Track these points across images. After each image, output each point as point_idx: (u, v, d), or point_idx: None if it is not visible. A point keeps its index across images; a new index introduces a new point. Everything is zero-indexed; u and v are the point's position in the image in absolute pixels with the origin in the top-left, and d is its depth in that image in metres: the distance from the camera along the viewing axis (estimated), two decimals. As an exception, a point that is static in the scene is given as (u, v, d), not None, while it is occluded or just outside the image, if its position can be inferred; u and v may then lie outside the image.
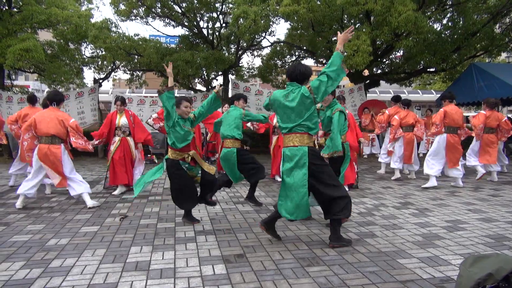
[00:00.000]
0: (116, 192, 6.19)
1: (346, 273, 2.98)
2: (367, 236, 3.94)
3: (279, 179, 6.74)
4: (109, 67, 13.75)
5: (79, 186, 5.30)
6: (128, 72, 14.36)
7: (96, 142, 6.25)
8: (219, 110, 9.30)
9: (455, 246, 3.61)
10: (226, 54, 13.28)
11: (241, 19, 10.71)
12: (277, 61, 14.41)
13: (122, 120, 6.38)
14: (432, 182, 6.70)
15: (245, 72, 15.34)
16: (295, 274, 2.97)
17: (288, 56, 14.48)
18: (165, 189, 6.64)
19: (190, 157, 4.19)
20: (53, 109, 5.35)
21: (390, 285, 2.76)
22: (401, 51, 12.56)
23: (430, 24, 11.67)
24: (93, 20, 12.84)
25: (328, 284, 2.79)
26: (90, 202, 5.29)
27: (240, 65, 14.81)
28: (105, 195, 6.17)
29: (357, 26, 11.77)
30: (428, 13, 11.46)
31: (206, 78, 14.20)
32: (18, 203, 5.21)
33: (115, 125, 6.36)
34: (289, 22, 12.30)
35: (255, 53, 15.17)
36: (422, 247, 3.58)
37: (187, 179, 4.21)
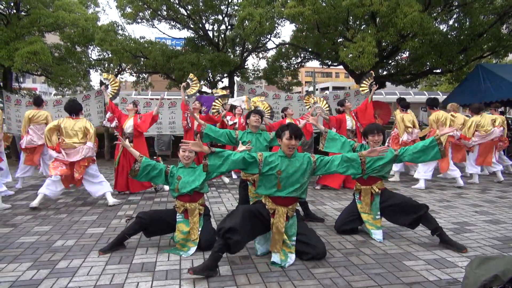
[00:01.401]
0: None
1: (351, 275, 2.97)
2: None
3: None
4: (116, 70, 13.85)
5: (99, 186, 5.59)
6: (134, 74, 14.45)
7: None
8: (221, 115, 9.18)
9: (462, 248, 3.58)
10: (232, 56, 13.32)
11: (246, 21, 10.75)
12: (283, 63, 14.42)
13: (127, 124, 6.39)
14: (421, 184, 6.78)
15: (251, 74, 15.37)
16: (300, 275, 2.96)
17: (293, 58, 14.49)
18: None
19: (182, 208, 3.61)
20: (74, 119, 5.54)
21: (396, 287, 2.75)
22: (407, 52, 12.51)
23: (436, 25, 11.62)
24: (99, 23, 12.96)
25: (334, 286, 2.78)
26: (111, 201, 5.54)
27: (246, 67, 14.84)
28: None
29: (362, 28, 11.76)
30: (434, 14, 11.42)
31: (212, 80, 14.24)
32: (35, 202, 5.28)
33: (123, 128, 6.45)
34: (294, 24, 12.31)
35: (260, 55, 15.20)
36: (429, 249, 3.56)
37: (165, 218, 3.64)
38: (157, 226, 3.63)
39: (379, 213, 3.94)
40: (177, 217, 3.64)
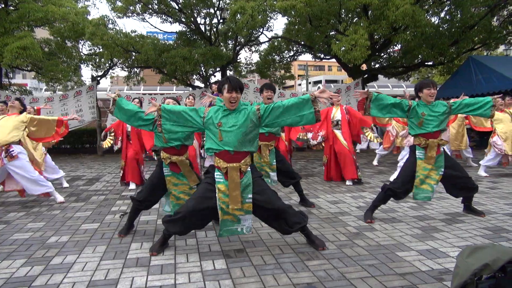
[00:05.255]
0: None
1: (345, 266, 3.01)
2: (366, 229, 3.97)
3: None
4: (107, 64, 13.71)
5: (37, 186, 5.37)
6: (126, 69, 14.32)
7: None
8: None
9: (454, 238, 3.63)
10: (224, 50, 13.25)
11: (238, 15, 10.68)
12: (275, 57, 14.38)
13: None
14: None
15: (243, 68, 15.31)
16: (295, 268, 2.99)
17: (286, 51, 14.45)
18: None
19: (169, 161, 3.75)
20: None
21: (389, 278, 2.78)
22: (399, 45, 12.54)
23: (428, 17, 11.64)
24: (90, 17, 12.80)
25: (328, 277, 2.81)
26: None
27: (238, 61, 14.77)
28: (105, 192, 6.18)
29: (354, 21, 11.75)
30: (426, 7, 11.45)
31: (204, 74, 14.16)
32: (58, 198, 5.51)
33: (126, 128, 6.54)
34: (286, 17, 12.27)
35: (253, 48, 15.13)
36: (421, 240, 3.61)
37: (156, 182, 3.81)
38: (154, 198, 3.85)
39: (442, 169, 4.12)
40: (164, 171, 3.78)
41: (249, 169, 3.27)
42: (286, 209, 3.28)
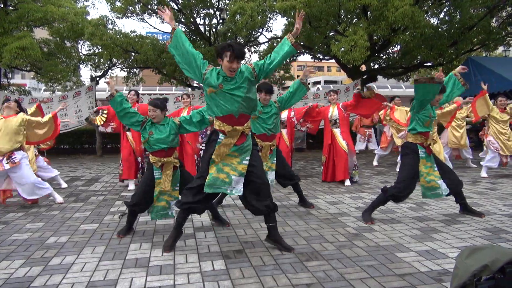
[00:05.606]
0: (129, 188, 6.46)
1: (344, 267, 3.01)
2: (365, 230, 3.97)
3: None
4: (106, 65, 13.71)
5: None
6: (125, 69, 14.32)
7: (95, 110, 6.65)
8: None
9: (453, 239, 3.64)
10: (223, 50, 13.24)
11: (238, 15, 10.70)
12: (275, 57, 14.37)
13: None
14: None
15: (243, 68, 15.32)
16: (294, 269, 2.99)
17: (285, 52, 14.44)
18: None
19: (160, 163, 3.73)
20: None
21: (388, 279, 2.78)
22: (398, 46, 12.55)
23: (427, 18, 11.66)
24: (89, 18, 12.80)
25: (327, 278, 2.81)
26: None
27: (238, 61, 14.76)
28: (104, 193, 6.18)
29: (354, 21, 11.76)
30: (425, 8, 11.46)
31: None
32: (57, 198, 5.47)
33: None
34: (286, 18, 12.27)
35: (252, 49, 15.14)
36: (420, 240, 3.61)
37: (148, 185, 3.81)
38: (146, 201, 3.84)
39: (435, 165, 4.26)
40: (155, 174, 3.77)
41: (250, 133, 3.38)
42: (268, 189, 3.35)
